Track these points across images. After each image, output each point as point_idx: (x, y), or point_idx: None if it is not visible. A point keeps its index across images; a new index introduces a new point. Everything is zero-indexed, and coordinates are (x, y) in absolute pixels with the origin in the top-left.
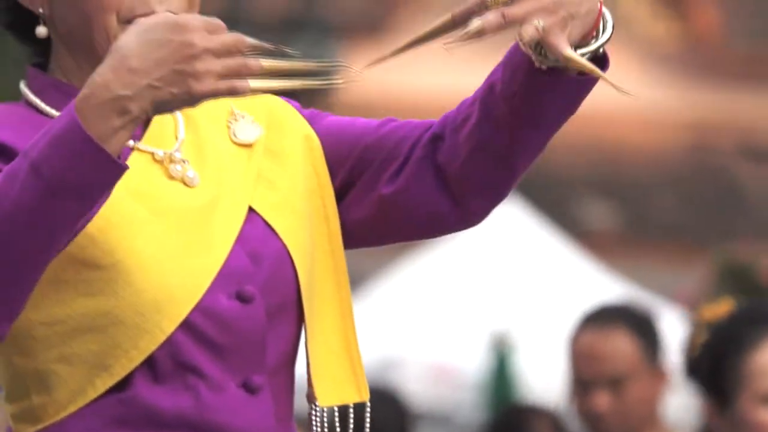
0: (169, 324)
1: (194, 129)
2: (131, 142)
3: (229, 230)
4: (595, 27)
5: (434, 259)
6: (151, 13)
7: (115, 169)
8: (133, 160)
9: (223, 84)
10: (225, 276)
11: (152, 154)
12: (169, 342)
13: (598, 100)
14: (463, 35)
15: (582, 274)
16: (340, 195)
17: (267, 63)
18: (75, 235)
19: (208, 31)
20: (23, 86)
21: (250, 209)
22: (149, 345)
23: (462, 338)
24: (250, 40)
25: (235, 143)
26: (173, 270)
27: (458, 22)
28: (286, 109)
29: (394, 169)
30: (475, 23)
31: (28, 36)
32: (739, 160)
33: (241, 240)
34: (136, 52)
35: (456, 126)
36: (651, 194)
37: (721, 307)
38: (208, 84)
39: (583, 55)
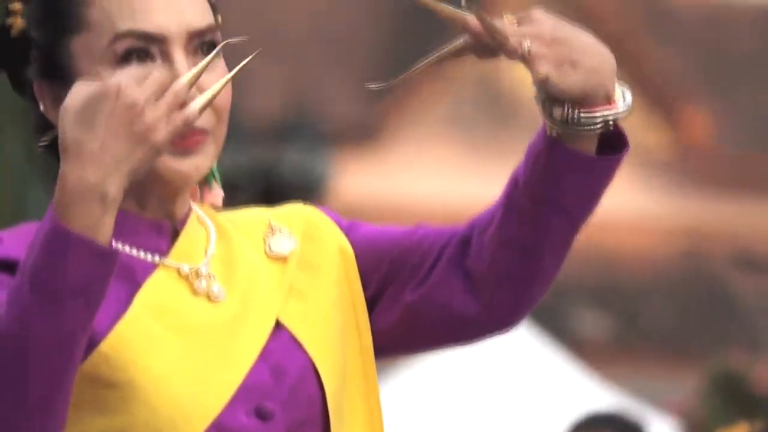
0: None
1: (227, 243)
2: (156, 258)
3: (252, 345)
4: (607, 95)
5: (427, 366)
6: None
7: (111, 257)
8: (157, 277)
9: (178, 118)
10: (244, 392)
11: (178, 269)
12: None
13: None
14: (449, 49)
15: (574, 382)
16: (372, 305)
17: (186, 79)
18: (90, 352)
19: (137, 82)
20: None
21: (278, 323)
22: None
23: None
24: (166, 71)
25: (269, 257)
26: (189, 387)
27: (470, 46)
28: (323, 220)
29: (421, 275)
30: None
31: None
32: (731, 269)
33: (264, 355)
34: (88, 136)
35: (482, 227)
36: (644, 302)
37: (736, 431)
38: (163, 129)
39: (588, 122)
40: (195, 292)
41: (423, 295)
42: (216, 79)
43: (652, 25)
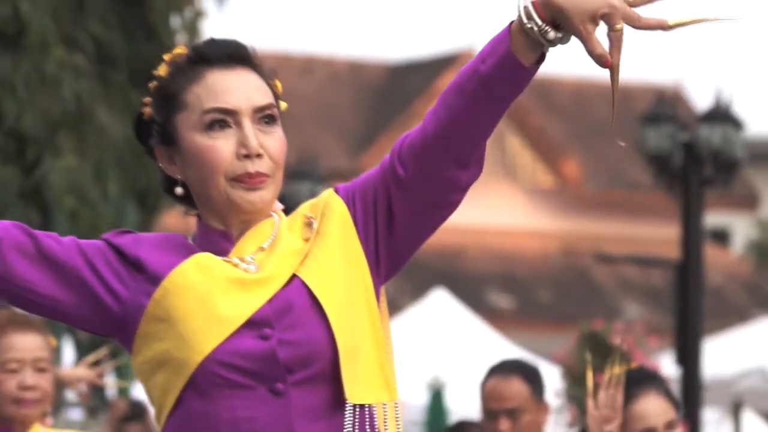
0: (199, 357)
1: (279, 238)
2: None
3: (263, 294)
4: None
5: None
6: (247, 173)
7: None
8: (213, 259)
9: None
10: (252, 324)
11: (230, 261)
12: (204, 369)
13: (499, 220)
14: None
15: (489, 341)
16: (394, 216)
17: None
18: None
19: None
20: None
21: (296, 277)
22: (188, 372)
23: (409, 383)
24: None
25: (303, 239)
26: (207, 320)
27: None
28: (334, 198)
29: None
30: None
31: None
32: (593, 263)
33: (273, 299)
34: None
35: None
36: (536, 287)
37: (617, 370)
38: None
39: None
40: (243, 267)
41: (415, 175)
42: (274, 143)
43: (538, 98)
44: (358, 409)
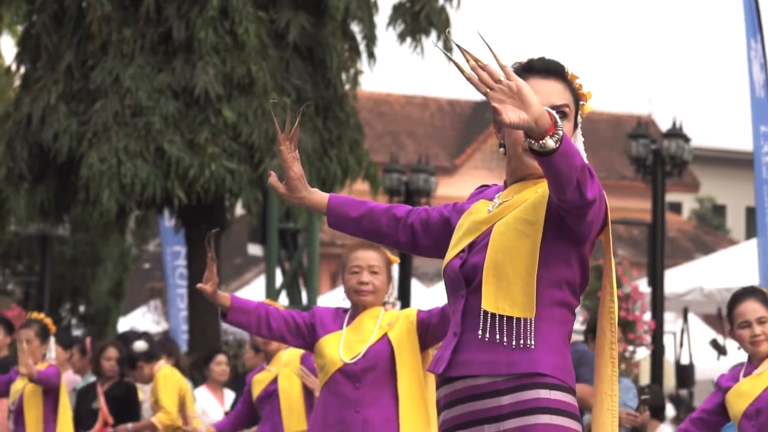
0: (443, 267)
1: (523, 194)
2: (496, 198)
3: (481, 229)
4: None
5: None
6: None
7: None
8: (480, 205)
9: None
10: (462, 249)
11: (493, 201)
12: (444, 276)
13: None
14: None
15: None
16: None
17: None
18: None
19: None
20: None
21: (498, 221)
22: (443, 273)
23: None
24: None
25: (528, 199)
26: (453, 246)
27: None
28: (546, 189)
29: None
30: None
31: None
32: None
33: (483, 233)
34: None
35: None
36: None
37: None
38: None
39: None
40: (487, 209)
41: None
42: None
43: None
44: (491, 316)
